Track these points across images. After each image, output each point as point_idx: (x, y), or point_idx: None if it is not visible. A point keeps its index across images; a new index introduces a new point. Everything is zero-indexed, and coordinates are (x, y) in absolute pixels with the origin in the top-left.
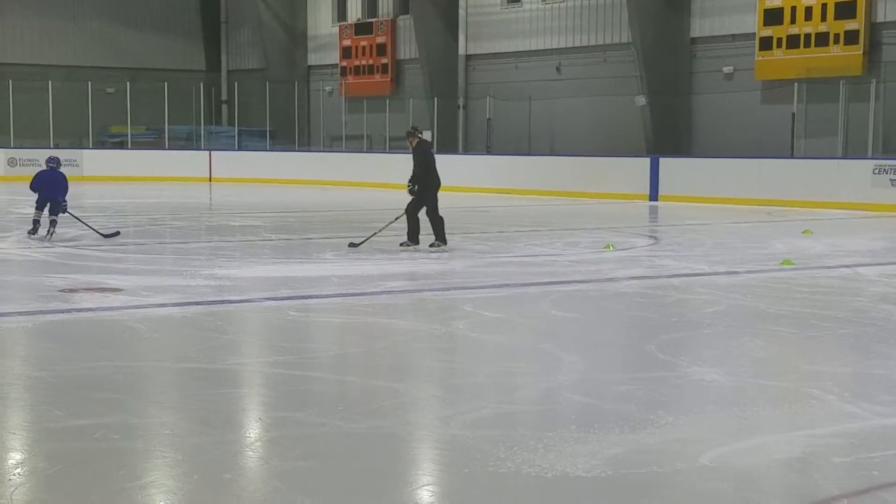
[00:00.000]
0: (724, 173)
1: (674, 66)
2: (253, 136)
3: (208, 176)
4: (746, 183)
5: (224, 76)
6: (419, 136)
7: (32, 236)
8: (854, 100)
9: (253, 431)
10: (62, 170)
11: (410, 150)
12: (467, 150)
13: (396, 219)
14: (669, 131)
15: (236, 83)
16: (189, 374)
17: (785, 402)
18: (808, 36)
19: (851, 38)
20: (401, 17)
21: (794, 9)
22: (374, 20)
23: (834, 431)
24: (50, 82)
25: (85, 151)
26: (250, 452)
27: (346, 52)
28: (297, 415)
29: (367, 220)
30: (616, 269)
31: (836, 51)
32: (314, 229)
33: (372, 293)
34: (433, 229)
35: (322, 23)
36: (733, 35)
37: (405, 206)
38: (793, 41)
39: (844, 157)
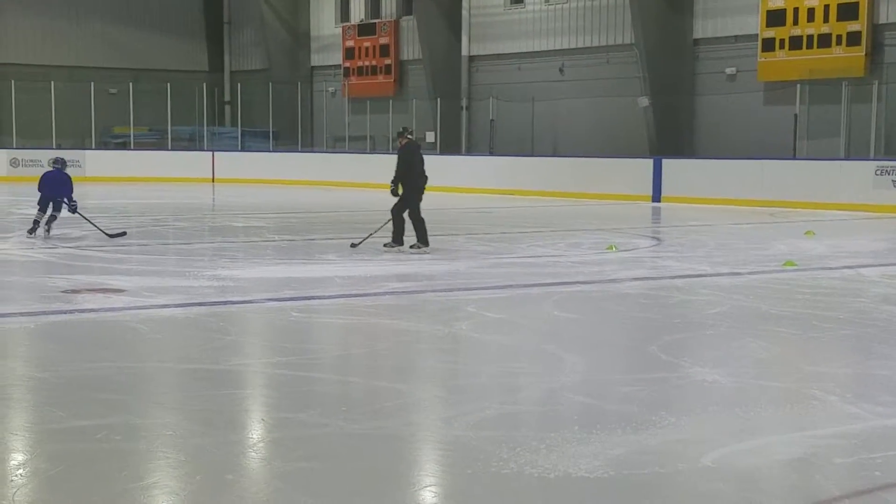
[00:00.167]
0: (726, 174)
1: (677, 68)
2: (256, 137)
3: (211, 177)
4: (749, 184)
5: (227, 77)
6: (408, 136)
7: (30, 236)
8: (856, 101)
9: (255, 432)
10: (67, 171)
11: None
12: (470, 151)
13: (389, 220)
14: (672, 132)
15: (239, 84)
16: (192, 375)
17: (787, 402)
18: (810, 37)
19: (854, 39)
20: (404, 17)
21: (796, 10)
22: (377, 21)
23: (835, 432)
24: (52, 83)
25: (88, 152)
26: (253, 453)
27: (349, 53)
28: (299, 416)
29: (371, 221)
30: (619, 270)
31: (838, 52)
32: (317, 230)
33: (375, 294)
34: (415, 231)
35: (325, 23)
36: (736, 36)
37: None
38: (795, 42)
39: (847, 159)
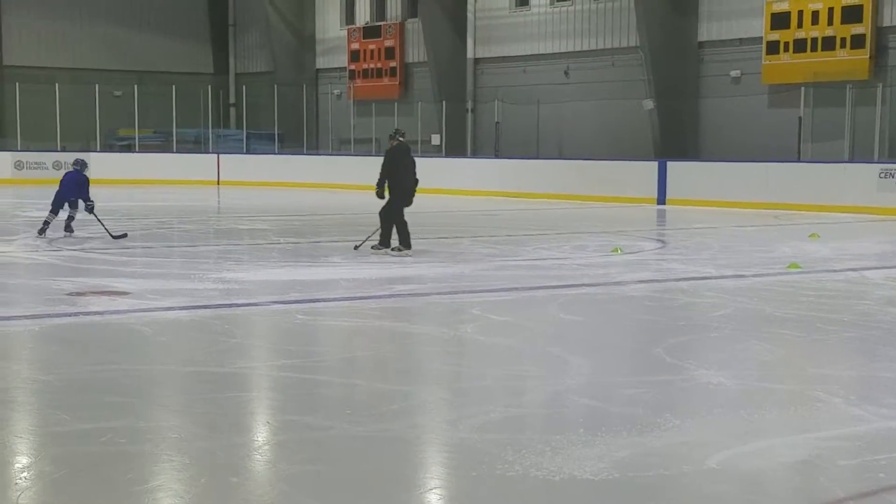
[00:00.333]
0: (731, 177)
1: (681, 70)
2: (261, 140)
3: (216, 179)
4: (753, 186)
5: (232, 79)
6: (399, 139)
7: (40, 237)
8: (860, 104)
9: (260, 435)
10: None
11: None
12: (475, 154)
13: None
14: (677, 135)
15: (244, 86)
16: (196, 378)
17: (791, 405)
18: (814, 40)
19: (858, 42)
20: (409, 20)
21: (801, 13)
22: (382, 23)
23: (840, 434)
24: (57, 85)
25: (92, 154)
26: (258, 456)
27: (354, 56)
28: (304, 418)
29: (375, 224)
30: (624, 272)
31: (842, 55)
32: (322, 233)
33: (380, 296)
34: (398, 233)
35: (330, 26)
36: (741, 39)
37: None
38: (800, 45)
39: (851, 161)
